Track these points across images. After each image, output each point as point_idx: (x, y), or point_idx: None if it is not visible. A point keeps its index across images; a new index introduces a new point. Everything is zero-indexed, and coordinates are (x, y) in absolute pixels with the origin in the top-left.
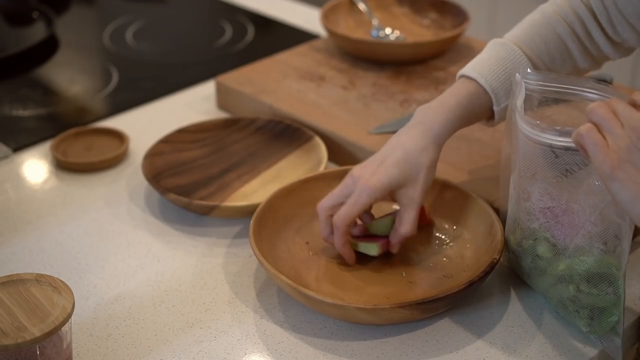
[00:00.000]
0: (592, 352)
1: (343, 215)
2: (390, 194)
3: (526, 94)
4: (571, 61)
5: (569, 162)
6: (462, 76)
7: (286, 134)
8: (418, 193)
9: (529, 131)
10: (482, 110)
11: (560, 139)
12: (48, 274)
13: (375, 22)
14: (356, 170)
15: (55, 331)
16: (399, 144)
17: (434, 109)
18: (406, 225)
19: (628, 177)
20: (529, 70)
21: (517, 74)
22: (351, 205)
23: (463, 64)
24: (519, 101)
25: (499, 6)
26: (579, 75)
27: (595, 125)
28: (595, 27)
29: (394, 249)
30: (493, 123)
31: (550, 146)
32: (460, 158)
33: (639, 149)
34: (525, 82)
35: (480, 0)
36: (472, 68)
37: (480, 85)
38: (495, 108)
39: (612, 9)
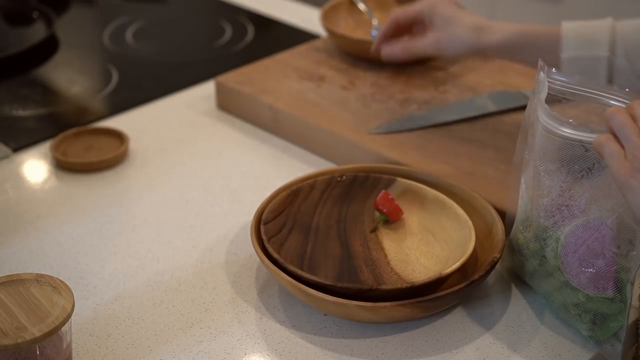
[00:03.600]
0: (591, 352)
1: (397, 10)
2: (430, 16)
3: (548, 93)
4: None
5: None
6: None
7: (355, 187)
8: (436, 39)
9: (553, 125)
10: (548, 48)
11: (592, 136)
12: (48, 274)
13: (375, 22)
14: None
15: (55, 331)
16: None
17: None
18: (424, 42)
19: None
20: (553, 70)
21: (541, 73)
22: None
23: (463, 64)
24: (542, 96)
25: (499, 6)
26: None
27: (613, 130)
28: None
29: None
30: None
31: (580, 142)
32: (460, 158)
33: None
34: (548, 82)
35: (480, 0)
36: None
37: (560, 29)
38: (561, 55)
39: None
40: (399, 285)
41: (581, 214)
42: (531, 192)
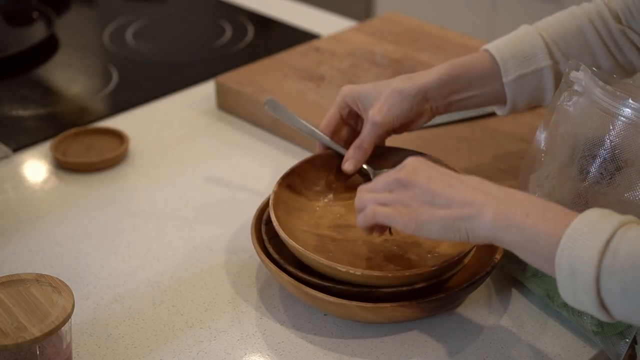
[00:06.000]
0: (591, 352)
1: (323, 122)
2: (362, 110)
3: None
4: (590, 55)
5: None
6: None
7: None
8: (376, 109)
9: (614, 105)
10: (485, 74)
11: None
12: (48, 274)
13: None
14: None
15: (55, 331)
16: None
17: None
18: (362, 139)
19: None
20: (594, 68)
21: (572, 72)
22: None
23: None
24: (599, 83)
25: (499, 6)
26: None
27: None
28: (615, 27)
29: (346, 164)
30: (504, 108)
31: (637, 124)
32: (460, 158)
33: None
34: (575, 79)
35: (480, 0)
36: (490, 43)
37: (490, 54)
38: (504, 80)
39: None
40: (400, 286)
41: (617, 203)
42: (550, 184)
